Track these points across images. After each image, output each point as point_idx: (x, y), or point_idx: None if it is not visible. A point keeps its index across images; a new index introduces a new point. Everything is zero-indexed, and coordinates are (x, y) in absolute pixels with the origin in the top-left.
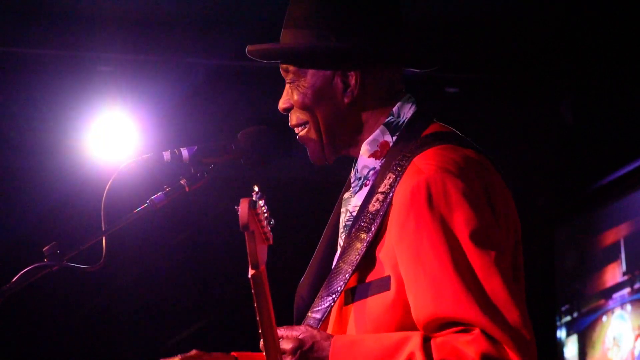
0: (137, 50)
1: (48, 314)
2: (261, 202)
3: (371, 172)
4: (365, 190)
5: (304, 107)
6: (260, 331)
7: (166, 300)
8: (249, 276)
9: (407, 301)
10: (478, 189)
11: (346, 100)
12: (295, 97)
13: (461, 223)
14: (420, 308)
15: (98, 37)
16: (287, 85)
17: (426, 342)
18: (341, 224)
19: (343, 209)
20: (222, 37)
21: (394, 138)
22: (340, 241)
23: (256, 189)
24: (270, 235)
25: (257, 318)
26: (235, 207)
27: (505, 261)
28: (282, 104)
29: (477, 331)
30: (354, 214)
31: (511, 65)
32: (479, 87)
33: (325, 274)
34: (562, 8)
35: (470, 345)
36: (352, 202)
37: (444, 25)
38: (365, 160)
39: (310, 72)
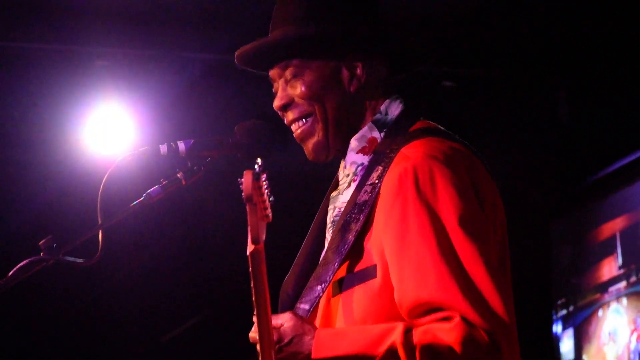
0: (134, 44)
1: (44, 307)
2: (264, 176)
3: (359, 168)
4: (353, 186)
5: (310, 98)
6: (254, 312)
7: (163, 294)
8: (248, 253)
9: (393, 289)
10: (465, 178)
11: (352, 88)
12: (300, 89)
13: (448, 209)
14: (404, 292)
15: (94, 32)
16: (281, 84)
17: (408, 332)
18: (328, 220)
19: (330, 206)
20: (218, 31)
21: (382, 134)
22: (328, 236)
23: (259, 161)
24: (269, 212)
25: (253, 299)
26: (239, 180)
27: (491, 250)
28: (279, 101)
29: (457, 318)
30: (342, 209)
31: (507, 60)
32: (475, 82)
33: (311, 270)
34: (558, 4)
35: (450, 333)
36: (340, 200)
37: (441, 20)
38: (354, 156)
39: (316, 62)
